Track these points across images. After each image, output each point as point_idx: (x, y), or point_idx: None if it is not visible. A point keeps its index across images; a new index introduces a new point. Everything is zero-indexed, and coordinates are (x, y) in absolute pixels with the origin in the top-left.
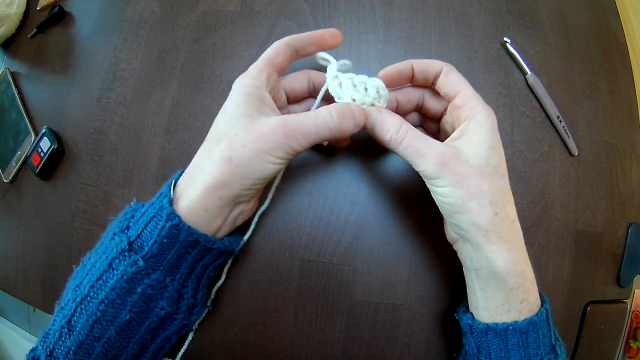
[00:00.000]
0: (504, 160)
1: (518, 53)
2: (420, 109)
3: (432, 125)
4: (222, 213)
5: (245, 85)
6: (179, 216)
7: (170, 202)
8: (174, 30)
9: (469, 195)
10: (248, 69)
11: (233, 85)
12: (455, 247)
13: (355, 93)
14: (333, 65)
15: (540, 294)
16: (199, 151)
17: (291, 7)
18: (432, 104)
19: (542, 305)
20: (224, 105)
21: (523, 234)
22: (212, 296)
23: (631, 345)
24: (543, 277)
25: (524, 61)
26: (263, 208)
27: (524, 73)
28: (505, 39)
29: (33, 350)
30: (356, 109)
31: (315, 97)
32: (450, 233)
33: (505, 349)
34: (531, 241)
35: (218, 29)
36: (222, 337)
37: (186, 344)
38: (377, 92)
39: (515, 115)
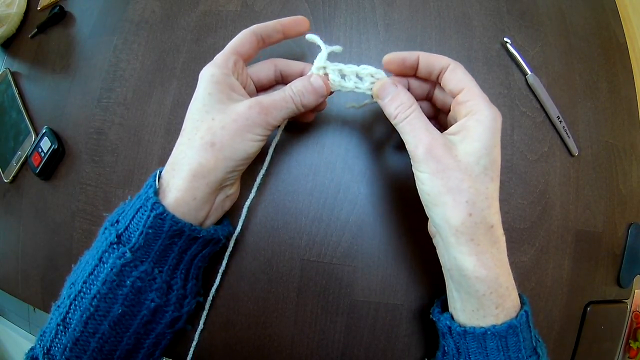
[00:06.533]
0: (498, 165)
1: (518, 53)
2: (430, 99)
3: (445, 118)
4: (209, 199)
5: (215, 74)
6: (162, 205)
7: (156, 192)
8: (175, 30)
9: (446, 188)
10: (214, 58)
11: (201, 74)
12: (434, 242)
13: (344, 83)
14: (322, 54)
15: (520, 295)
16: (178, 142)
17: (291, 7)
18: (442, 96)
19: (522, 308)
20: (195, 95)
21: (523, 234)
22: (210, 299)
23: (631, 345)
24: (543, 277)
25: (524, 61)
26: (251, 197)
27: (524, 73)
28: (505, 39)
29: (32, 349)
30: (317, 83)
31: (283, 84)
32: (430, 226)
33: (484, 352)
34: (531, 241)
35: (218, 29)
36: (222, 337)
37: (191, 351)
38: (372, 76)
39: (515, 115)
